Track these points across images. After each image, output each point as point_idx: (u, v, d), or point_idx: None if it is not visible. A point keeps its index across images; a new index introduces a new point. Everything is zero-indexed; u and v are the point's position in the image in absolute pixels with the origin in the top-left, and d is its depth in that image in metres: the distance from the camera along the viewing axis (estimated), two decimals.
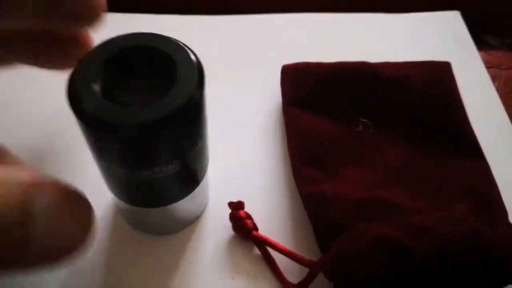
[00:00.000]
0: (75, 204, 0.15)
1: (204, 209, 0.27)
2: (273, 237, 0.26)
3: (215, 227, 0.26)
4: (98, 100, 0.17)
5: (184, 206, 0.24)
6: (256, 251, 0.26)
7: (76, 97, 0.18)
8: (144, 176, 0.20)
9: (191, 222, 0.27)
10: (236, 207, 0.25)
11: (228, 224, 0.26)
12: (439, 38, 0.37)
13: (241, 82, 0.34)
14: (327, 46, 0.36)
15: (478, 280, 0.23)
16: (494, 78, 0.35)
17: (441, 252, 0.22)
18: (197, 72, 0.19)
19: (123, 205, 0.24)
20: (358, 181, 0.27)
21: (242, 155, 0.30)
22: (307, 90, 0.30)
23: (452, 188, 0.27)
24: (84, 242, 0.15)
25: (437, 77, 0.31)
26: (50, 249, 0.14)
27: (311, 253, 0.25)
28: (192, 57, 0.19)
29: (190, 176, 0.22)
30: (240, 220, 0.25)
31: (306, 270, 0.24)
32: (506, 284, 0.23)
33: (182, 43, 0.20)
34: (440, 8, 0.39)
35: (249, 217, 0.25)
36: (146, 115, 0.17)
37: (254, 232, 0.25)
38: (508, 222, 0.25)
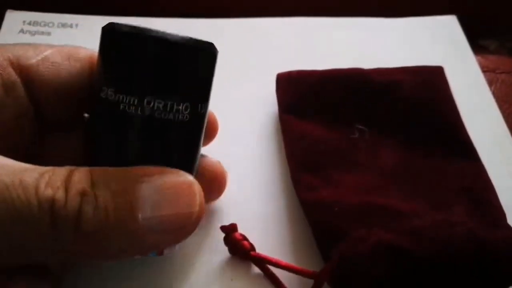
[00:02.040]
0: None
1: None
2: (272, 248, 0.26)
3: (209, 248, 0.26)
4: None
5: None
6: (256, 269, 0.26)
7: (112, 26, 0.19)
8: (157, 115, 0.19)
9: None
10: (230, 230, 0.25)
11: (222, 244, 0.26)
12: (435, 43, 0.37)
13: (235, 89, 0.34)
14: (321, 50, 0.37)
15: (476, 282, 0.23)
16: (490, 82, 0.35)
17: (440, 255, 0.23)
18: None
19: None
20: (356, 186, 0.27)
21: (237, 164, 0.30)
22: (302, 98, 0.31)
23: (448, 190, 0.27)
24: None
25: (429, 81, 0.32)
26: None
27: (312, 261, 0.26)
28: None
29: (188, 148, 0.21)
30: (236, 243, 0.25)
31: (310, 281, 0.24)
32: (504, 286, 0.23)
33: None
34: (437, 11, 0.39)
35: (244, 238, 0.25)
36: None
37: (252, 253, 0.25)
38: (506, 223, 0.25)
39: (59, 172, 0.16)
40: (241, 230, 0.26)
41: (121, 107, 0.19)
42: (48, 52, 0.21)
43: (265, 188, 0.29)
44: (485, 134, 0.31)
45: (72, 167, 0.17)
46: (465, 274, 0.23)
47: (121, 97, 0.19)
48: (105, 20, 0.38)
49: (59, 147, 0.23)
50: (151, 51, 0.19)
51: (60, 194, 0.15)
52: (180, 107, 0.19)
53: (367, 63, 0.32)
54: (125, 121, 0.19)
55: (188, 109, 0.20)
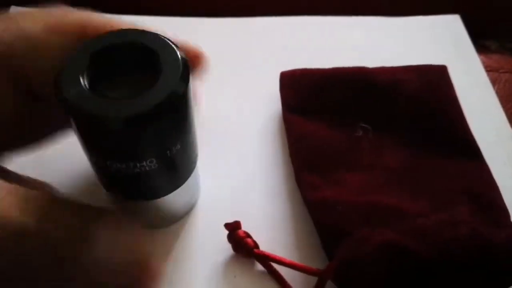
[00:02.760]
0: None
1: (193, 205, 0.28)
2: (276, 246, 0.26)
3: (213, 245, 0.26)
4: (82, 91, 0.18)
5: (171, 201, 0.25)
6: (259, 267, 0.26)
7: (61, 87, 0.18)
8: (119, 170, 0.20)
9: (181, 217, 0.27)
10: (234, 227, 0.26)
11: (226, 241, 0.26)
12: (438, 42, 0.37)
13: (238, 88, 0.34)
14: (325, 49, 0.37)
15: (481, 281, 0.23)
16: (493, 82, 0.35)
17: (444, 255, 0.23)
18: (182, 67, 0.19)
19: (111, 198, 0.25)
20: (360, 185, 0.27)
21: (242, 163, 0.30)
22: (306, 96, 0.31)
23: (452, 190, 0.27)
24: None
25: (432, 80, 0.32)
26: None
27: (316, 260, 0.26)
28: (177, 52, 0.20)
29: (172, 174, 0.23)
30: (240, 240, 0.25)
31: (313, 279, 0.24)
32: (509, 285, 0.23)
33: (168, 38, 0.20)
34: (440, 11, 0.39)
35: (248, 235, 0.26)
36: (126, 109, 0.18)
37: (256, 250, 0.25)
38: (510, 223, 0.25)
39: (32, 196, 0.17)
40: (244, 227, 0.26)
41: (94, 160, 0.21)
42: (32, 31, 0.20)
43: (269, 186, 0.29)
44: (489, 134, 0.31)
45: (34, 191, 0.17)
46: (470, 274, 0.23)
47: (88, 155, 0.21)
48: (110, 18, 0.38)
49: (44, 114, 0.22)
50: (103, 128, 0.18)
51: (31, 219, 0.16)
52: (144, 163, 0.20)
53: (371, 62, 0.32)
54: (101, 168, 0.21)
55: (154, 161, 0.20)
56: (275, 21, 0.39)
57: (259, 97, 0.33)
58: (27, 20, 0.20)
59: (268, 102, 0.33)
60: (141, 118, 0.18)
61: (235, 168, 0.30)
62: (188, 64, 0.20)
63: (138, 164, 0.20)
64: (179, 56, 0.20)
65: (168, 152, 0.21)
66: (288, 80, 0.32)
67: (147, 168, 0.20)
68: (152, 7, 0.40)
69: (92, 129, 0.18)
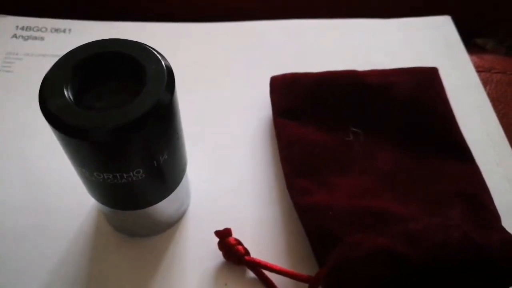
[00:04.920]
0: None
1: (184, 212, 0.28)
2: (267, 253, 0.26)
3: (204, 252, 0.26)
4: (66, 103, 0.18)
5: (161, 209, 0.25)
6: (250, 274, 0.26)
7: (45, 100, 0.18)
8: (106, 181, 0.20)
9: (171, 225, 0.27)
10: (224, 234, 0.25)
11: (217, 248, 0.26)
12: (430, 43, 0.37)
13: (228, 92, 0.34)
14: (316, 52, 0.37)
15: (473, 284, 0.23)
16: (485, 82, 0.35)
17: (436, 259, 0.23)
18: (167, 76, 0.19)
19: (101, 206, 0.25)
20: (351, 190, 0.27)
21: (232, 168, 0.30)
22: (297, 100, 0.31)
23: (443, 193, 0.27)
24: None
25: (424, 83, 0.31)
26: None
27: (307, 266, 0.26)
28: (162, 61, 0.20)
29: (160, 183, 0.23)
30: (230, 247, 0.25)
31: (304, 285, 0.24)
32: (502, 287, 0.23)
33: (151, 47, 0.20)
34: (435, 11, 0.39)
35: (239, 242, 0.25)
36: (111, 120, 0.18)
37: (247, 257, 0.25)
38: (501, 226, 0.25)
39: None
40: (235, 234, 0.26)
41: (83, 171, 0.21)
42: None
43: (260, 192, 0.29)
44: (480, 135, 0.31)
45: None
46: (462, 277, 0.23)
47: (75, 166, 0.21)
48: (98, 25, 0.38)
49: None
50: (89, 141, 0.18)
51: None
52: (130, 174, 0.20)
53: (362, 64, 0.32)
54: (87, 179, 0.21)
55: (141, 171, 0.20)
56: (265, 25, 0.38)
57: (249, 101, 0.33)
58: None
59: (258, 107, 0.32)
60: (126, 128, 0.18)
61: (226, 174, 0.29)
62: (172, 73, 0.20)
63: (125, 175, 0.20)
64: (164, 66, 0.19)
65: (155, 162, 0.20)
66: (279, 84, 0.32)
67: (134, 179, 0.20)
68: (145, 13, 0.40)
69: (77, 142, 0.18)
